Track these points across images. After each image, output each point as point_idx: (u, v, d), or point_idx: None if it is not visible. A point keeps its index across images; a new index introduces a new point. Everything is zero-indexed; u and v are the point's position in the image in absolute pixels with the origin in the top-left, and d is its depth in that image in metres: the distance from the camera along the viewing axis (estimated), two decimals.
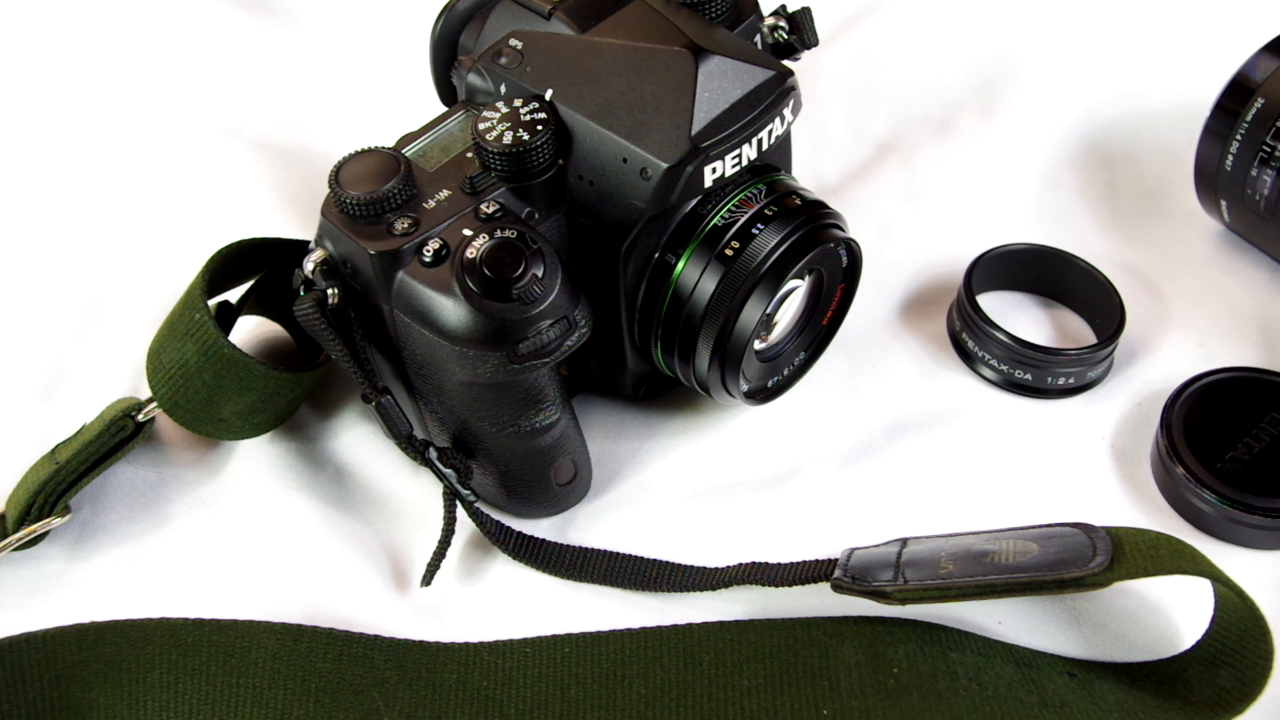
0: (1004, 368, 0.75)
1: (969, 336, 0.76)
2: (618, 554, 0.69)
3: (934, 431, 0.74)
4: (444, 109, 0.71)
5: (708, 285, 0.66)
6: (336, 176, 0.63)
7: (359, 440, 0.75)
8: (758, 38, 0.73)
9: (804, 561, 0.66)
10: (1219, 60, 0.80)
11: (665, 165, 0.63)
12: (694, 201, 0.66)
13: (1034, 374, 0.74)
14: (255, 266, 0.75)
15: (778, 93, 0.65)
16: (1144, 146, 0.89)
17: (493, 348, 0.61)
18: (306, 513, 0.71)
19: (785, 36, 0.73)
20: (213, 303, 0.71)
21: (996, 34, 0.96)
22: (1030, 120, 0.90)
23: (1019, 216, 0.85)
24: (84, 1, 1.02)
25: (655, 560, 0.68)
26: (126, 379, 0.78)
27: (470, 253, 0.61)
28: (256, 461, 0.74)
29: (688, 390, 0.72)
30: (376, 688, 0.64)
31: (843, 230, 0.69)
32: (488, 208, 0.63)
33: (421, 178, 0.65)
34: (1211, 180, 0.78)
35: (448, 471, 0.67)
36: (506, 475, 0.68)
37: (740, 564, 0.67)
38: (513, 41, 0.68)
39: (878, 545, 0.66)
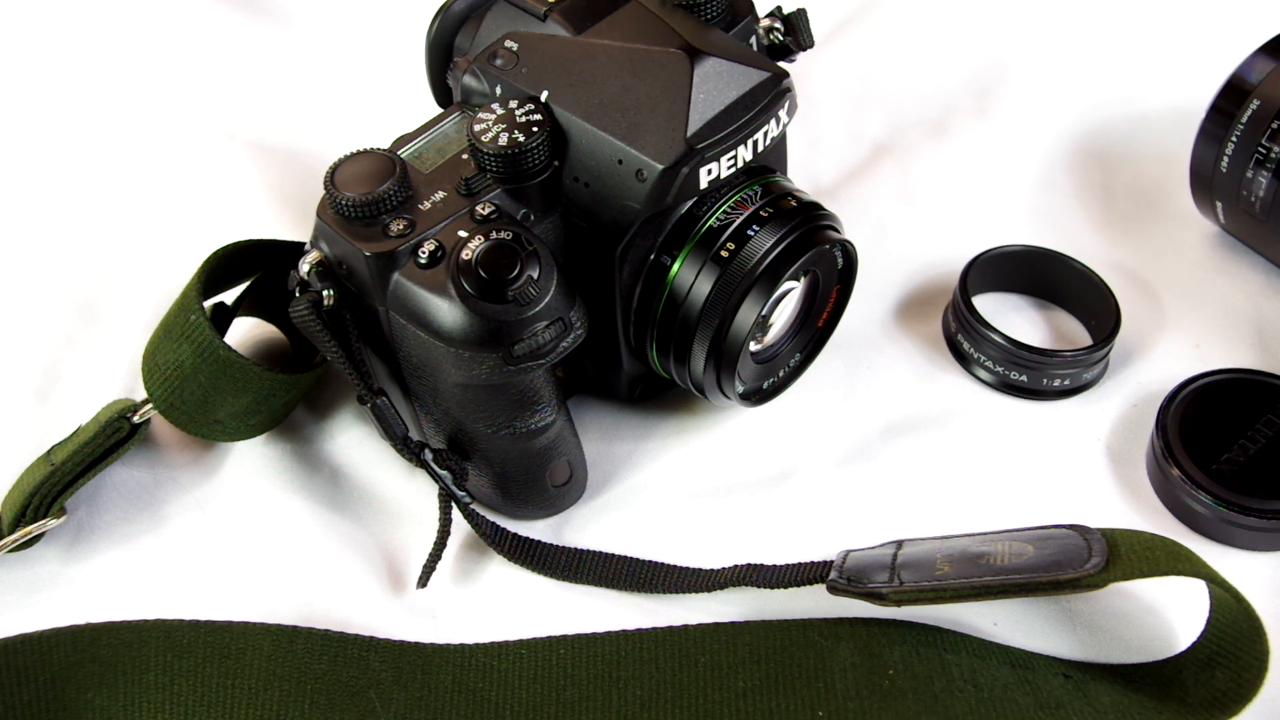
0: (999, 369, 0.75)
1: (964, 338, 0.76)
2: (613, 555, 0.69)
3: (929, 433, 0.74)
4: (439, 110, 0.71)
5: (703, 287, 0.66)
6: (332, 178, 0.63)
7: (354, 442, 0.75)
8: (753, 39, 0.73)
9: (799, 563, 0.67)
10: (1214, 62, 0.80)
11: (661, 167, 0.63)
12: (690, 203, 0.66)
13: (1029, 375, 0.74)
14: (251, 268, 0.75)
15: (773, 94, 0.65)
16: (1139, 148, 0.89)
17: (488, 349, 0.61)
18: (302, 514, 0.71)
19: (781, 38, 0.73)
20: (208, 304, 0.71)
21: (992, 36, 0.96)
22: (1026, 122, 0.90)
23: (1014, 218, 0.85)
24: (79, 3, 1.02)
25: (651, 561, 0.68)
26: (122, 380, 0.78)
27: (466, 254, 0.61)
28: (252, 463, 0.74)
29: (683, 392, 0.72)
30: (372, 689, 0.64)
31: (838, 232, 0.69)
32: (483, 209, 0.63)
33: (417, 179, 0.65)
34: (1207, 182, 0.78)
35: (443, 473, 0.66)
36: (502, 477, 0.68)
37: (736, 565, 0.67)
38: (508, 43, 0.68)
39: (873, 547, 0.66)
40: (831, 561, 0.66)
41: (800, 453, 0.73)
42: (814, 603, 0.66)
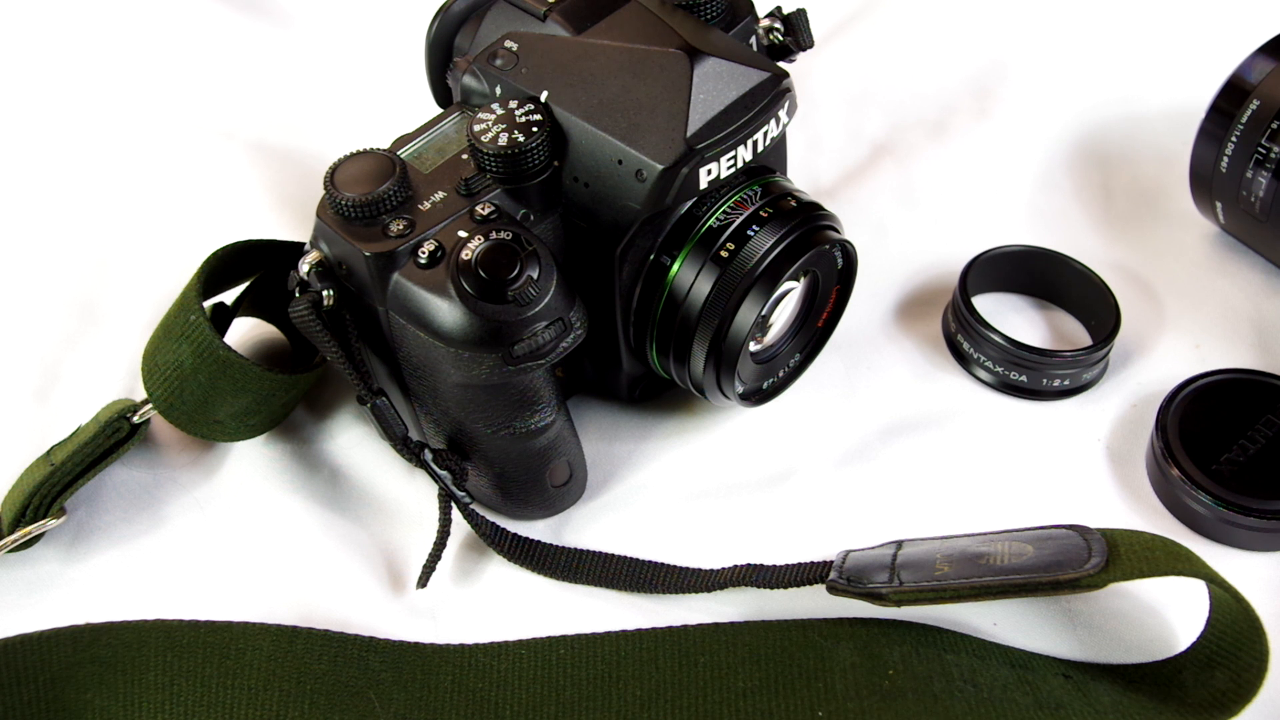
0: (999, 369, 0.75)
1: (964, 338, 0.76)
2: (613, 555, 0.69)
3: (929, 433, 0.74)
4: (439, 111, 0.71)
5: (703, 287, 0.66)
6: (332, 178, 0.63)
7: (354, 442, 0.75)
8: (753, 39, 0.73)
9: (799, 563, 0.67)
10: (1214, 62, 0.80)
11: (660, 167, 0.63)
12: (689, 203, 0.66)
13: (1029, 376, 0.74)
14: (251, 268, 0.75)
15: (773, 94, 0.65)
16: (1139, 148, 0.89)
17: (488, 349, 0.61)
18: (302, 514, 0.71)
19: (780, 38, 0.73)
20: (208, 304, 0.71)
21: (992, 36, 0.96)
22: (1025, 122, 0.90)
23: (1014, 218, 0.85)
24: (79, 3, 1.02)
25: (650, 562, 0.68)
26: (122, 381, 0.78)
27: (465, 254, 0.61)
28: (252, 463, 0.74)
29: (683, 392, 0.72)
30: (372, 689, 0.64)
31: (838, 232, 0.69)
32: (483, 209, 0.63)
33: (417, 179, 0.65)
34: (1206, 182, 0.78)
35: (443, 473, 0.66)
36: (501, 477, 0.68)
37: (735, 566, 0.67)
38: (508, 43, 0.68)
39: (873, 547, 0.66)
40: (831, 562, 0.66)
41: (800, 453, 0.73)
42: (814, 603, 0.66)
